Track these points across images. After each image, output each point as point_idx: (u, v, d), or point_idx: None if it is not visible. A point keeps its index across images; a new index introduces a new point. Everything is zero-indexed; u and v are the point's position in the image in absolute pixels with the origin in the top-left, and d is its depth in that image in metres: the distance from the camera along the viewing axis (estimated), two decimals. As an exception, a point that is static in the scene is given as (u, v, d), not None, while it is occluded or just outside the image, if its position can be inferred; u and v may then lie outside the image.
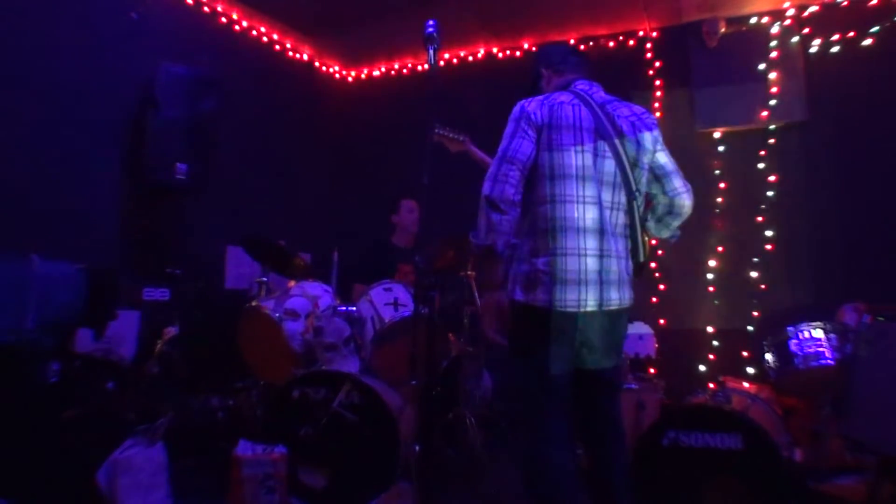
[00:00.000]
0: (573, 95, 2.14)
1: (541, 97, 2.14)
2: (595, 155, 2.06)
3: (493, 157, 2.48)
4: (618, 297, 2.05)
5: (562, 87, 2.23)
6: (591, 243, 2.01)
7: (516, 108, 2.12)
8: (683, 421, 2.68)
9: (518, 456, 2.09)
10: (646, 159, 2.15)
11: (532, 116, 2.06)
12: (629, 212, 2.12)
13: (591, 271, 2.00)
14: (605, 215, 2.04)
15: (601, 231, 2.03)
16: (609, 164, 2.08)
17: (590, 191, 2.03)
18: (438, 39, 2.12)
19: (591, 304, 1.99)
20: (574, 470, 2.01)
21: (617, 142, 2.09)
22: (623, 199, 2.10)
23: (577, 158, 2.03)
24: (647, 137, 2.15)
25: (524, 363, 2.05)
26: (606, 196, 2.06)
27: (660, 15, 4.50)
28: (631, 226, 2.12)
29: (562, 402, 2.04)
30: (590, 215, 2.02)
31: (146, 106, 3.73)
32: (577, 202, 2.02)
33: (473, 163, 2.91)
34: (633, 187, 2.11)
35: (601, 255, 2.02)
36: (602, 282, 2.01)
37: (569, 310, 1.97)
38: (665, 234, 2.30)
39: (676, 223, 2.27)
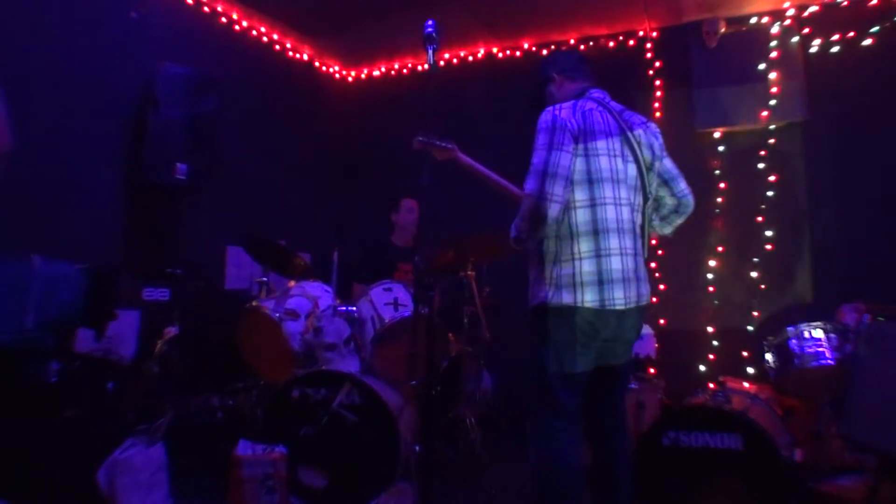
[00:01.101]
0: (596, 103, 2.21)
1: (569, 103, 2.17)
2: (623, 159, 2.15)
3: (482, 164, 2.51)
4: (647, 293, 2.19)
5: (576, 94, 2.28)
6: (628, 243, 2.12)
7: (547, 117, 2.12)
8: (683, 421, 2.68)
9: (529, 456, 2.11)
10: (656, 164, 2.26)
11: (568, 124, 2.08)
12: (643, 213, 2.23)
13: (630, 269, 2.11)
14: (633, 217, 2.16)
15: (633, 231, 2.15)
16: (632, 168, 2.18)
17: (623, 193, 2.13)
18: (438, 39, 2.12)
19: (632, 302, 2.10)
20: (582, 469, 2.07)
21: (636, 147, 2.19)
22: (640, 200, 2.22)
23: (611, 163, 2.12)
24: (656, 144, 2.27)
25: (553, 363, 2.07)
26: (632, 198, 2.17)
27: (660, 15, 4.50)
28: (643, 226, 2.23)
29: (580, 401, 2.11)
30: (625, 216, 2.13)
31: (146, 106, 3.72)
32: (615, 204, 2.11)
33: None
34: (648, 190, 2.22)
35: (635, 255, 2.15)
36: (637, 279, 2.13)
37: (617, 308, 2.06)
38: (667, 230, 2.43)
39: (680, 221, 2.39)
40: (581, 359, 2.06)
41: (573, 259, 2.06)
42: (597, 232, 2.06)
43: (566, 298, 2.04)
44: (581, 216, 2.07)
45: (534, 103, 2.33)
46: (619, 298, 2.06)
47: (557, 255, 2.09)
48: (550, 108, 2.15)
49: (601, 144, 2.09)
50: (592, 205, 2.07)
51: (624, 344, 2.20)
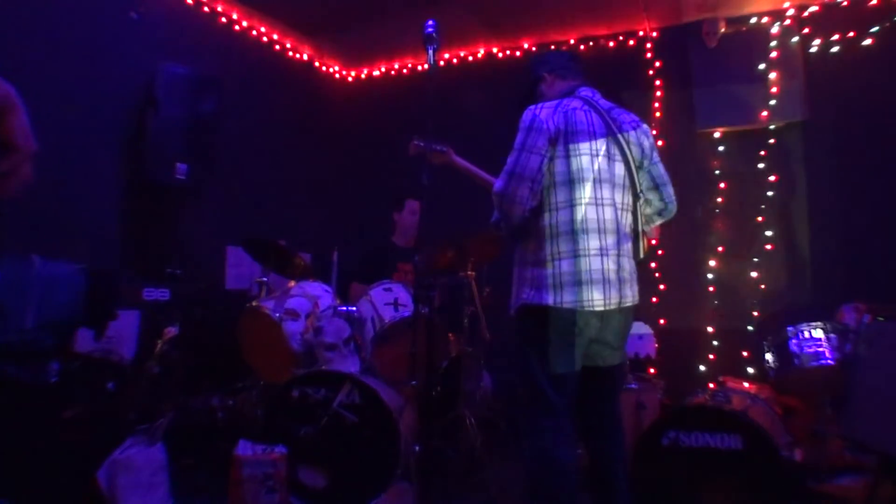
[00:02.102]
0: (582, 101, 2.19)
1: (552, 103, 2.16)
2: (608, 158, 2.13)
3: (478, 167, 2.51)
4: (631, 295, 2.15)
5: (566, 93, 2.27)
6: (610, 243, 2.08)
7: (527, 116, 2.12)
8: (683, 421, 2.68)
9: (521, 455, 2.11)
10: (646, 163, 2.24)
11: (545, 125, 2.08)
12: (633, 212, 2.20)
13: (612, 270, 2.07)
14: (618, 216, 2.12)
15: (617, 232, 2.11)
16: (619, 167, 2.15)
17: (606, 193, 2.10)
18: (438, 39, 2.13)
19: (613, 303, 2.06)
20: (576, 469, 2.05)
21: (624, 146, 2.16)
22: (630, 200, 2.19)
23: (594, 162, 2.09)
24: (647, 143, 2.25)
25: (539, 364, 2.07)
26: (618, 198, 2.14)
27: (660, 15, 4.49)
28: (634, 225, 2.20)
29: (570, 401, 2.10)
30: (608, 217, 2.09)
31: (146, 106, 3.72)
32: (597, 204, 2.08)
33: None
34: (638, 189, 2.20)
35: (619, 255, 2.10)
36: (620, 280, 2.09)
37: (596, 309, 2.04)
38: (645, 228, 2.41)
39: (659, 222, 2.40)
40: (566, 359, 2.05)
41: (552, 260, 2.05)
42: (576, 232, 2.05)
43: (546, 299, 2.03)
44: (561, 217, 2.06)
45: (523, 103, 2.33)
46: (598, 300, 2.03)
47: (537, 256, 2.08)
48: (531, 107, 2.15)
49: (583, 145, 2.08)
50: (572, 205, 2.06)
51: (610, 345, 2.16)
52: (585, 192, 2.07)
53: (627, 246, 2.16)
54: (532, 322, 2.08)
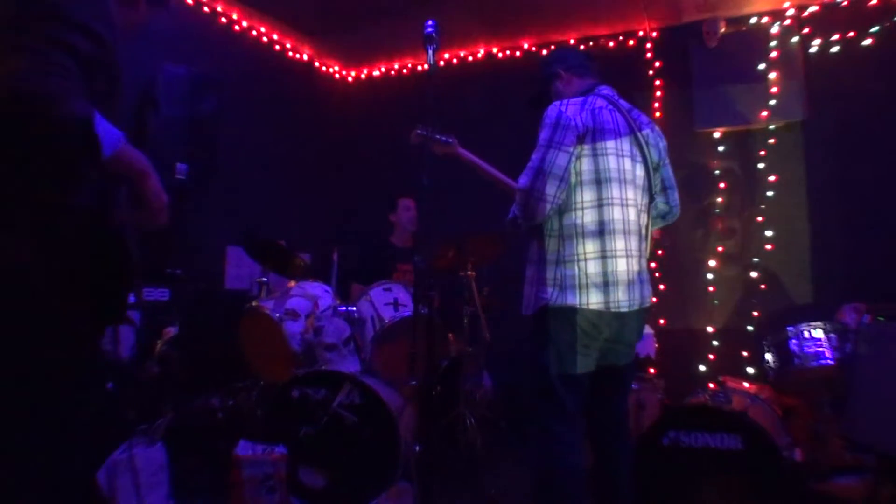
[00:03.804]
0: (606, 100, 2.17)
1: (577, 100, 2.13)
2: (632, 159, 2.13)
3: (484, 160, 2.51)
4: (649, 295, 2.17)
5: (586, 90, 2.25)
6: (633, 244, 2.09)
7: (552, 112, 2.09)
8: (684, 421, 2.68)
9: (529, 457, 2.10)
10: (660, 165, 2.25)
11: (573, 122, 2.04)
12: (648, 213, 2.21)
13: (635, 272, 2.08)
14: (639, 218, 2.13)
15: (639, 233, 2.12)
16: (640, 168, 2.16)
17: (630, 194, 2.10)
18: (438, 39, 2.12)
19: (636, 304, 2.08)
20: (584, 471, 2.06)
21: (644, 147, 2.17)
22: (646, 201, 2.20)
23: (619, 162, 2.09)
24: (662, 145, 2.26)
25: (556, 364, 2.05)
26: (639, 199, 2.14)
27: (660, 15, 4.50)
28: (647, 226, 2.21)
29: (582, 403, 2.09)
30: (631, 218, 2.10)
31: (146, 106, 3.72)
32: (622, 205, 2.08)
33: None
34: (654, 190, 2.21)
35: (640, 256, 2.12)
36: (641, 281, 2.11)
37: (621, 310, 2.03)
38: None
39: (660, 226, 2.42)
40: (583, 360, 2.04)
41: (577, 260, 2.03)
42: (603, 233, 2.03)
43: (570, 300, 2.01)
44: (588, 216, 2.04)
45: (536, 101, 2.31)
46: (624, 301, 2.03)
47: (561, 255, 2.05)
48: (557, 102, 2.12)
49: (610, 144, 2.06)
50: (599, 205, 2.04)
51: (625, 345, 2.17)
52: (612, 192, 2.05)
53: (644, 247, 2.17)
54: (552, 323, 2.05)
